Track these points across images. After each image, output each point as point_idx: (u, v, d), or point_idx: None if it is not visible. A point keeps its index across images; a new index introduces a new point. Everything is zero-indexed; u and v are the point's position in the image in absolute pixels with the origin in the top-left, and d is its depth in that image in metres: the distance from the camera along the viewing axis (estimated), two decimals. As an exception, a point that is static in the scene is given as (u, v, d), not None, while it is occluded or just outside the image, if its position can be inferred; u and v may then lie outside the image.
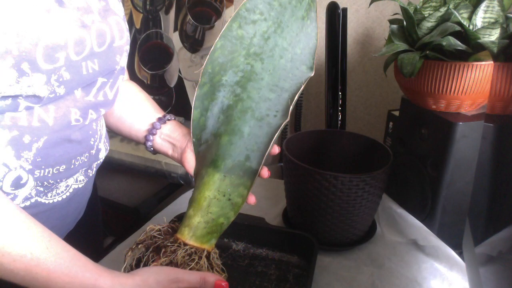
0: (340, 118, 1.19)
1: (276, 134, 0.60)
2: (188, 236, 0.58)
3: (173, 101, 1.56)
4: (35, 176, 0.55)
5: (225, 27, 0.60)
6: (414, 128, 0.91)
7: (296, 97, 0.61)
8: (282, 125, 0.60)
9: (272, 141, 0.60)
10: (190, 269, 0.56)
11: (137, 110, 0.73)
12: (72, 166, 0.60)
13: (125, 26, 0.63)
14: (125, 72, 0.69)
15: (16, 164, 0.53)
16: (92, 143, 0.63)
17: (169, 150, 0.70)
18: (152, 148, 0.72)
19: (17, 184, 0.54)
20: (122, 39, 0.62)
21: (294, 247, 0.77)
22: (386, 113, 1.11)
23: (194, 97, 0.62)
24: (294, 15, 0.61)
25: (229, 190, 0.60)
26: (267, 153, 0.60)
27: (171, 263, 0.56)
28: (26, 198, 0.56)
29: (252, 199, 0.64)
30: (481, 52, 0.77)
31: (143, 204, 1.62)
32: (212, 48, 0.60)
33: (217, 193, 0.60)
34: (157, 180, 1.57)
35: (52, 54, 0.50)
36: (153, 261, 0.57)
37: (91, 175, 0.68)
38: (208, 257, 0.58)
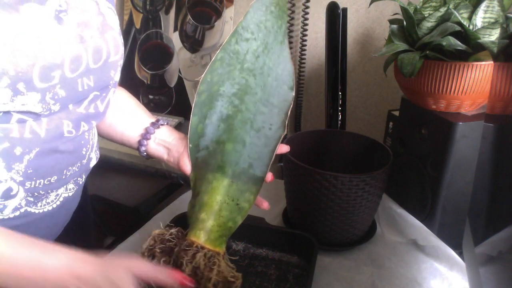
0: (340, 118, 1.19)
1: (277, 145, 0.64)
2: (203, 239, 0.59)
3: (173, 101, 1.56)
4: (25, 187, 0.55)
5: (225, 40, 0.64)
6: (414, 128, 0.91)
7: (288, 113, 0.65)
8: (280, 137, 0.64)
9: (274, 153, 0.64)
10: (212, 272, 0.56)
11: (128, 116, 0.73)
12: (64, 177, 0.60)
13: (120, 41, 0.63)
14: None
15: (7, 176, 0.52)
16: (84, 153, 0.63)
17: (164, 154, 0.70)
18: (145, 153, 0.72)
19: (7, 195, 0.53)
20: (117, 55, 0.62)
21: (294, 247, 0.77)
22: (386, 113, 1.11)
23: (193, 103, 0.65)
24: (276, 39, 0.66)
25: (237, 195, 0.62)
26: (270, 162, 0.64)
27: (194, 269, 0.56)
28: (16, 209, 0.56)
29: (265, 204, 0.67)
30: (481, 52, 0.77)
31: (143, 204, 1.62)
32: (213, 59, 0.64)
33: (226, 198, 0.62)
34: (157, 180, 1.57)
35: (48, 73, 0.49)
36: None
37: (81, 183, 0.67)
38: (223, 259, 0.60)
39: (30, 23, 0.48)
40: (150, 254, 0.58)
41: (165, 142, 0.70)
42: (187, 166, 0.65)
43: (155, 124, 0.71)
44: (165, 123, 0.73)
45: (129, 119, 0.73)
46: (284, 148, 0.70)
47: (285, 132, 0.64)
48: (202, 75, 0.64)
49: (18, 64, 0.46)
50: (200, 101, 0.64)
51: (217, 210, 0.60)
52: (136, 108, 0.74)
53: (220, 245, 0.60)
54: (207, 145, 0.64)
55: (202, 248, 0.58)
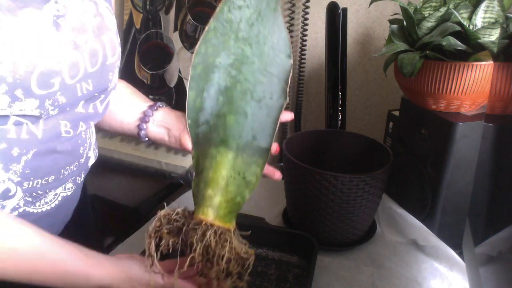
0: (340, 118, 1.19)
1: (280, 115, 0.62)
2: (212, 216, 0.56)
3: (173, 101, 1.56)
4: (23, 187, 0.55)
5: (217, 9, 0.61)
6: (414, 128, 0.91)
7: (289, 81, 0.63)
8: (283, 106, 0.62)
9: (278, 122, 0.61)
10: (224, 249, 0.55)
11: (126, 102, 0.72)
12: (61, 176, 0.60)
13: (117, 42, 0.62)
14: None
15: (4, 177, 0.52)
16: (81, 152, 0.62)
17: (165, 135, 0.69)
18: (146, 138, 0.71)
19: (5, 196, 0.53)
20: (114, 56, 0.61)
21: (294, 247, 0.77)
22: (386, 113, 1.11)
23: (188, 77, 0.62)
24: (269, 6, 0.64)
25: (243, 168, 0.59)
26: (275, 133, 0.61)
27: (205, 247, 0.54)
28: (14, 209, 0.56)
29: (278, 174, 0.67)
30: (481, 52, 0.77)
31: (143, 204, 1.62)
32: (206, 29, 0.61)
33: (233, 172, 0.59)
34: (157, 180, 1.57)
35: (47, 80, 0.49)
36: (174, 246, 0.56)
37: (79, 182, 0.67)
38: (235, 235, 0.57)
39: (28, 29, 0.47)
40: (157, 236, 0.56)
41: (164, 123, 0.69)
42: (189, 144, 0.63)
43: (152, 107, 0.70)
44: (163, 105, 0.72)
45: (127, 105, 0.72)
46: (287, 116, 0.68)
47: (287, 100, 0.62)
48: (196, 47, 0.61)
49: (17, 71, 0.46)
50: (195, 74, 0.61)
51: (223, 185, 0.57)
52: (133, 95, 0.74)
53: (230, 221, 0.57)
54: (207, 120, 0.61)
55: (212, 225, 0.55)
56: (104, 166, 1.47)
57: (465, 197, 0.84)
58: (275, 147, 0.63)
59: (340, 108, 1.18)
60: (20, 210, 0.57)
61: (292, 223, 0.87)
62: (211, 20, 0.61)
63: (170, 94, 1.56)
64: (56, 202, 0.62)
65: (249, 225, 0.78)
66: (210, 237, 0.54)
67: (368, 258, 0.79)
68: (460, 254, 0.77)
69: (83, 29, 0.55)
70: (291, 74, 0.63)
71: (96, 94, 0.60)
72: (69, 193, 0.64)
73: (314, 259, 0.70)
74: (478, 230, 0.69)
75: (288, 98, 0.62)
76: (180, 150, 0.67)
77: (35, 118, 0.52)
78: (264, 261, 0.76)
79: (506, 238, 0.62)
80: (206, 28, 0.61)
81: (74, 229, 0.74)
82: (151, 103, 0.72)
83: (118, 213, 1.76)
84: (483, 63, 0.78)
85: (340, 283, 0.72)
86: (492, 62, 0.78)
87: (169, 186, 1.62)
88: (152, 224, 0.56)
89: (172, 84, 1.55)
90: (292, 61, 0.64)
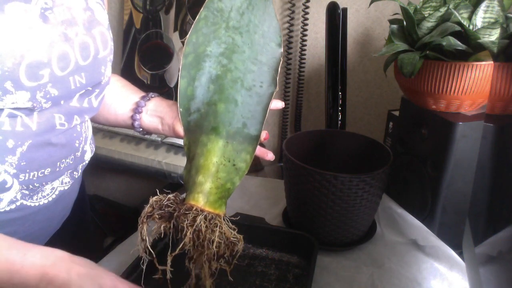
0: (340, 118, 1.19)
1: (270, 102, 0.63)
2: (202, 202, 0.57)
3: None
4: (20, 180, 0.55)
5: None
6: (414, 128, 0.91)
7: (279, 69, 0.65)
8: (273, 94, 0.63)
9: (268, 110, 0.62)
10: (214, 233, 0.55)
11: (119, 95, 0.73)
12: (57, 169, 0.60)
13: (109, 36, 0.63)
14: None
15: (0, 169, 0.52)
16: (77, 145, 0.63)
17: (158, 124, 0.70)
18: (141, 128, 0.71)
19: (2, 188, 0.54)
20: (106, 50, 0.62)
21: (294, 247, 0.77)
22: (386, 113, 1.11)
23: (180, 66, 0.63)
24: None
25: (233, 155, 0.60)
26: (264, 120, 0.62)
27: (195, 232, 0.55)
28: (11, 202, 0.56)
29: (270, 155, 0.69)
30: (481, 52, 0.77)
31: (143, 204, 1.61)
32: (196, 18, 0.62)
33: (223, 159, 0.60)
34: (157, 180, 1.57)
35: (36, 72, 0.49)
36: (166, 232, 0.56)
37: (76, 176, 0.67)
38: (224, 220, 0.58)
39: (15, 21, 0.48)
40: (149, 221, 0.57)
41: (157, 112, 0.69)
42: (181, 131, 0.64)
43: (145, 97, 0.71)
44: (156, 95, 0.72)
45: (121, 98, 0.73)
46: (278, 104, 0.69)
47: (277, 88, 0.63)
48: (187, 36, 0.62)
49: (5, 63, 0.46)
50: (187, 63, 0.63)
51: (214, 172, 0.58)
52: (126, 87, 0.74)
53: (220, 207, 0.58)
54: (198, 108, 0.63)
55: (202, 211, 0.56)
56: (104, 166, 1.47)
57: (465, 197, 0.84)
58: (264, 135, 0.64)
59: (340, 108, 1.18)
60: (18, 203, 0.57)
61: (292, 223, 0.87)
62: (202, 9, 0.62)
63: (170, 94, 1.56)
64: (54, 196, 0.62)
65: (249, 225, 0.78)
66: (200, 222, 0.55)
67: (368, 258, 0.79)
68: (460, 254, 0.77)
69: (73, 22, 0.55)
70: (281, 62, 0.65)
71: (90, 88, 0.61)
72: (66, 187, 0.65)
73: (314, 259, 0.70)
74: (478, 230, 0.69)
75: (277, 87, 0.63)
76: (174, 137, 0.69)
77: (28, 111, 0.52)
78: (264, 261, 0.76)
79: (506, 238, 0.62)
80: (197, 17, 0.62)
81: (73, 227, 0.74)
82: (143, 93, 0.73)
83: (118, 213, 1.76)
84: (483, 63, 0.78)
85: (340, 283, 0.72)
86: (492, 62, 0.78)
87: (169, 186, 1.62)
88: (144, 210, 0.57)
89: (172, 84, 1.55)
90: (282, 50, 0.65)
